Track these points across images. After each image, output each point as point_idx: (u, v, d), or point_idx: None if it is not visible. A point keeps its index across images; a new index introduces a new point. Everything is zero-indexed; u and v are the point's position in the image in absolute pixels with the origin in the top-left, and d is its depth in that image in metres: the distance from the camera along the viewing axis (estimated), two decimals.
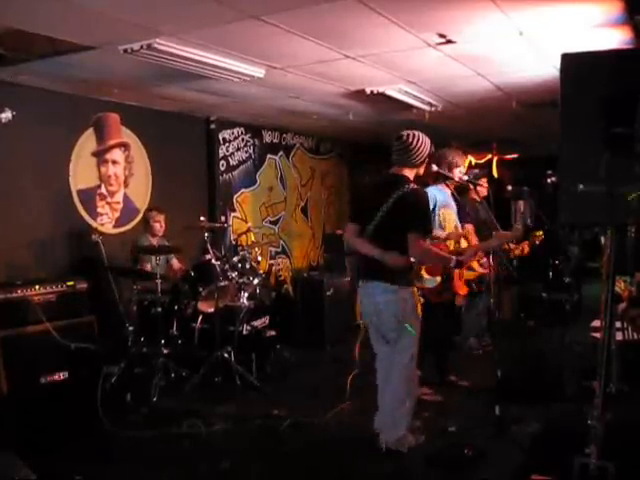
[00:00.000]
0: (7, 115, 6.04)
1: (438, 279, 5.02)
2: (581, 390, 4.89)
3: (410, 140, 4.41)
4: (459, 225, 5.91)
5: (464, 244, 5.77)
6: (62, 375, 4.82)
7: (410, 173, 4.50)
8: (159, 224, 6.86)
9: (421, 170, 4.58)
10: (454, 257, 4.45)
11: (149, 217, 6.92)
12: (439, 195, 5.63)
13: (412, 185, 4.38)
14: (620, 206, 2.96)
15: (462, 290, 5.76)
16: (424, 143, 4.46)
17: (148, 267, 6.49)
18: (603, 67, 3.00)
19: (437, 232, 5.59)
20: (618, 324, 5.38)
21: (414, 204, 4.31)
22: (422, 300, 4.61)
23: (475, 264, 5.97)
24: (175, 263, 7.06)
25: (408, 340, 4.42)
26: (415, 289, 4.49)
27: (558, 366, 5.67)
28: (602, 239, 8.42)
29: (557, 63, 3.11)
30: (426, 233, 4.35)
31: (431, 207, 5.49)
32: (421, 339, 5.75)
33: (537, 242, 6.50)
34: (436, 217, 5.61)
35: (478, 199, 5.85)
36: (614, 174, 2.93)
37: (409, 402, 4.49)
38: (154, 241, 6.79)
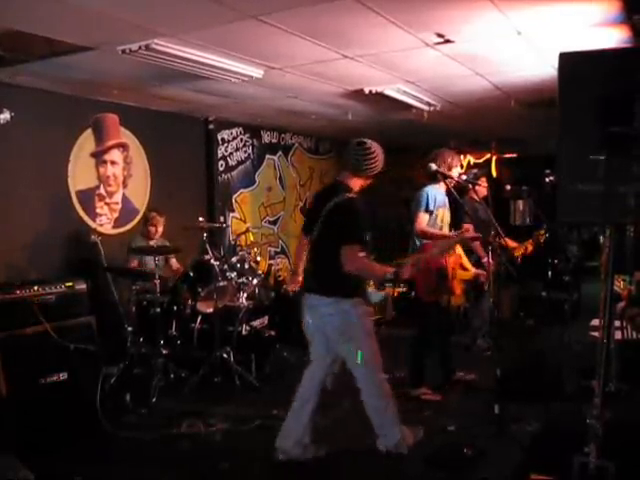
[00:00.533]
0: (5, 116, 6.04)
1: (382, 294, 4.85)
2: (580, 389, 4.89)
3: (372, 149, 4.32)
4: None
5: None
6: (61, 376, 4.81)
7: (355, 183, 4.39)
8: (154, 228, 6.83)
9: (367, 182, 4.46)
10: (391, 269, 4.18)
11: (147, 218, 6.92)
12: (437, 194, 5.63)
13: (349, 194, 4.25)
14: (618, 205, 2.97)
15: (457, 289, 5.77)
16: (380, 155, 4.37)
17: (135, 264, 6.52)
18: (601, 66, 3.00)
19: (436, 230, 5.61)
20: (617, 323, 5.38)
21: (346, 214, 4.19)
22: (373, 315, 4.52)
23: (469, 264, 5.97)
24: (174, 263, 7.06)
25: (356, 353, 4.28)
26: (359, 300, 4.29)
27: (557, 365, 5.68)
28: (601, 238, 8.45)
29: (555, 62, 3.11)
30: (360, 244, 4.13)
31: (431, 206, 5.53)
32: (419, 338, 5.79)
33: (541, 241, 6.50)
34: (434, 217, 5.61)
35: (477, 199, 5.86)
36: (612, 173, 2.93)
37: (389, 404, 4.41)
38: (148, 242, 6.76)
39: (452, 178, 5.45)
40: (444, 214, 5.71)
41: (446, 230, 5.76)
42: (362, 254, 4.13)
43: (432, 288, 5.60)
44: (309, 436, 4.45)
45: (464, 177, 5.71)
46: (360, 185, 4.42)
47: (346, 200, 4.23)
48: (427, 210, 5.57)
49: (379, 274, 4.29)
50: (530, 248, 6.45)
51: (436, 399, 5.61)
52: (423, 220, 5.57)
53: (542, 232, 6.50)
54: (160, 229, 6.87)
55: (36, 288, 4.78)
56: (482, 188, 6.68)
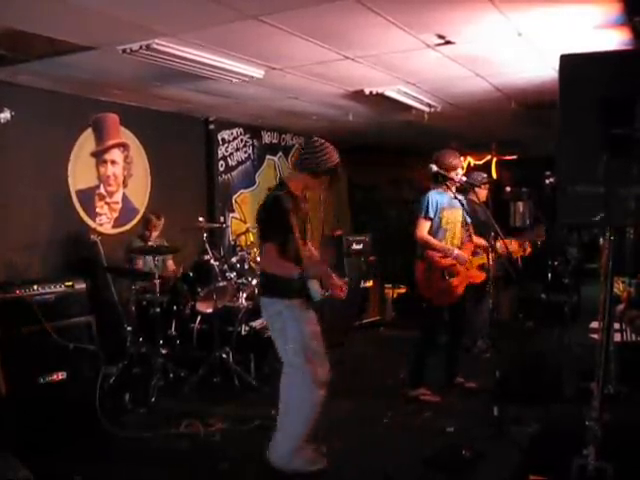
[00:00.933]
0: (6, 115, 6.04)
1: (327, 293, 4.60)
2: (579, 391, 4.88)
3: (319, 145, 4.19)
4: (469, 220, 5.89)
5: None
6: (61, 375, 4.81)
7: (297, 181, 4.30)
8: (149, 232, 6.85)
9: (315, 183, 4.29)
10: (298, 270, 4.03)
11: (146, 220, 6.93)
12: (439, 198, 5.61)
13: (278, 192, 4.19)
14: (619, 207, 2.97)
15: (477, 276, 5.77)
16: (329, 153, 4.21)
17: (140, 265, 6.49)
18: (602, 68, 3.00)
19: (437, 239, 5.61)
20: (617, 325, 5.38)
21: (267, 212, 4.17)
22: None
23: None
24: (170, 264, 7.05)
25: (290, 358, 4.25)
26: (295, 302, 4.15)
27: (557, 367, 5.67)
28: (600, 240, 8.44)
29: (556, 64, 3.11)
30: (276, 242, 4.03)
31: (431, 213, 5.51)
32: (424, 339, 5.78)
33: (539, 242, 6.49)
34: (438, 220, 5.60)
35: (477, 201, 5.85)
36: (612, 175, 2.93)
37: (301, 418, 4.21)
38: (146, 244, 6.75)
39: (452, 180, 5.43)
40: (449, 216, 5.67)
41: (457, 230, 5.74)
42: (275, 253, 4.03)
43: (441, 290, 5.61)
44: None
45: (464, 179, 5.69)
46: (304, 184, 4.29)
47: (270, 198, 4.22)
48: (427, 216, 5.57)
49: (288, 273, 4.06)
50: (529, 249, 6.44)
51: (435, 400, 5.60)
52: (423, 227, 5.58)
53: (540, 233, 6.48)
54: (156, 232, 6.88)
55: (36, 287, 4.78)
56: (483, 190, 6.67)
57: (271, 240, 4.04)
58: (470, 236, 5.87)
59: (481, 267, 5.87)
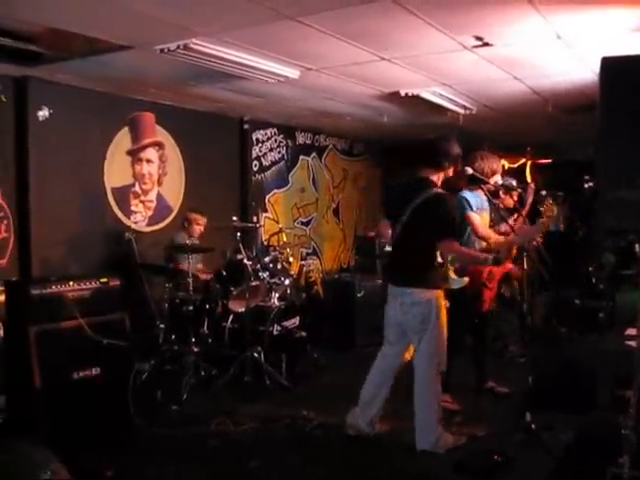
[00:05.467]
0: (44, 113, 6.14)
1: (466, 279, 4.93)
2: (615, 399, 4.82)
3: (441, 143, 4.56)
4: (499, 225, 5.82)
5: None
6: (94, 371, 4.85)
7: (438, 178, 4.60)
8: (199, 228, 6.91)
9: (449, 172, 4.66)
10: (488, 255, 4.46)
11: (191, 218, 6.93)
12: (472, 199, 5.54)
13: (436, 190, 4.47)
14: None
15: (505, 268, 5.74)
16: (452, 146, 4.58)
17: (184, 266, 6.48)
18: None
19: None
20: None
21: (442, 209, 4.41)
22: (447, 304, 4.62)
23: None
24: (201, 268, 7.02)
25: (428, 344, 4.51)
26: (440, 292, 4.53)
27: (591, 374, 5.59)
28: (637, 246, 8.30)
29: (594, 67, 3.09)
30: (457, 235, 4.43)
31: (473, 208, 5.45)
32: (449, 344, 5.73)
33: (551, 213, 6.37)
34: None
35: (502, 206, 5.77)
36: None
37: (435, 402, 4.58)
38: (189, 241, 6.78)
39: (488, 183, 5.35)
40: (482, 218, 5.61)
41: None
42: (458, 246, 4.48)
43: (485, 298, 5.57)
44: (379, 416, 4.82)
45: (500, 182, 5.63)
46: (442, 179, 4.67)
47: (439, 197, 4.47)
48: (473, 211, 5.44)
49: (484, 259, 4.50)
50: (539, 240, 6.31)
51: (454, 408, 5.53)
52: (477, 220, 5.44)
53: (549, 203, 6.35)
54: (203, 229, 6.96)
55: (71, 283, 4.82)
56: (509, 199, 6.55)
57: (453, 236, 4.40)
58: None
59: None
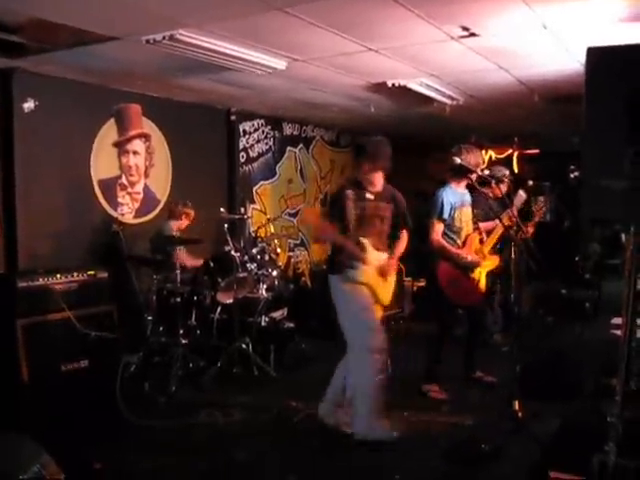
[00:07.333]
0: (30, 105, 6.10)
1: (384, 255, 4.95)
2: (600, 387, 4.86)
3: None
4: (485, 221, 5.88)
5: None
6: (82, 363, 4.85)
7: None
8: (188, 220, 6.90)
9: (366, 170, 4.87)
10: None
11: (181, 211, 6.92)
12: (452, 197, 5.56)
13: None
14: None
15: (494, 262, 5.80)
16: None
17: (172, 258, 6.45)
18: (629, 61, 2.96)
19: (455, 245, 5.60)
20: (639, 321, 5.33)
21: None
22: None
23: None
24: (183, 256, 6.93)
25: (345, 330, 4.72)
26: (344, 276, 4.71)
27: (577, 362, 5.63)
28: (623, 236, 8.35)
29: (581, 57, 3.10)
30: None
31: (445, 214, 5.49)
32: (439, 336, 5.78)
33: (540, 218, 6.43)
34: (451, 220, 5.56)
35: (491, 196, 5.80)
36: (638, 170, 2.90)
37: (367, 389, 4.62)
38: (176, 233, 6.77)
39: (474, 173, 5.39)
40: (462, 214, 5.64)
41: (469, 229, 5.71)
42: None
43: (467, 290, 5.61)
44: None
45: (486, 172, 5.65)
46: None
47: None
48: (440, 218, 5.51)
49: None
50: (531, 229, 6.40)
51: (442, 397, 5.59)
52: (438, 229, 5.54)
53: (541, 209, 6.42)
54: (188, 222, 6.98)
55: (58, 276, 4.81)
56: (503, 186, 6.62)
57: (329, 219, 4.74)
58: (477, 227, 5.85)
59: (493, 251, 5.87)
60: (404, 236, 5.04)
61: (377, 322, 4.71)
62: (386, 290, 4.83)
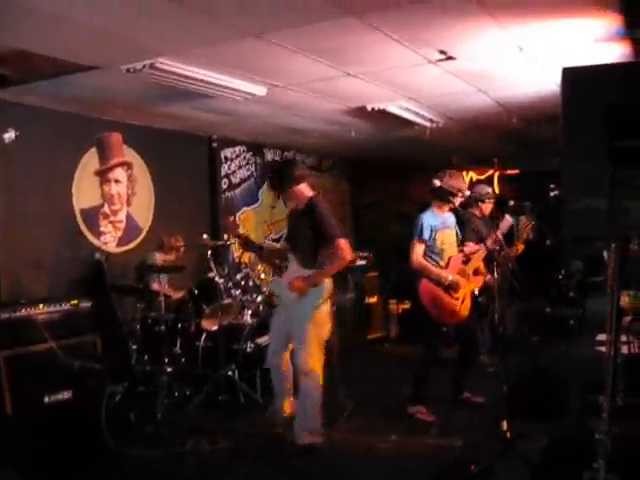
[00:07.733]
0: (10, 135, 6.08)
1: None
2: (587, 404, 4.87)
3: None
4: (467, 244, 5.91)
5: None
6: (66, 394, 4.81)
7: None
8: (176, 257, 6.90)
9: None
10: None
11: (172, 245, 6.90)
12: (432, 220, 5.61)
13: None
14: (624, 219, 2.96)
15: (466, 300, 5.79)
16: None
17: (155, 286, 6.43)
18: (604, 80, 3.00)
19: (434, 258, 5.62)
20: (623, 338, 5.36)
21: None
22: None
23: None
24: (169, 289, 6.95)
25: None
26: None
27: (563, 380, 5.65)
28: (605, 253, 8.42)
29: (557, 78, 3.13)
30: None
31: (425, 235, 5.52)
32: (425, 358, 5.78)
33: (528, 237, 6.48)
34: (432, 242, 5.59)
35: (478, 215, 5.84)
36: (617, 187, 2.93)
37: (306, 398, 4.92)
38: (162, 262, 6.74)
39: (456, 195, 5.42)
40: (444, 237, 5.67)
41: (453, 251, 5.74)
42: None
43: (450, 311, 5.62)
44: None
45: (468, 193, 5.69)
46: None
47: None
48: (421, 239, 5.55)
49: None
50: (521, 247, 6.45)
51: (429, 420, 5.56)
52: (418, 250, 5.57)
53: (528, 227, 6.48)
54: (177, 253, 6.97)
55: (41, 306, 4.79)
56: (488, 205, 6.69)
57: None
58: (462, 250, 5.88)
59: (476, 272, 5.90)
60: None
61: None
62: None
